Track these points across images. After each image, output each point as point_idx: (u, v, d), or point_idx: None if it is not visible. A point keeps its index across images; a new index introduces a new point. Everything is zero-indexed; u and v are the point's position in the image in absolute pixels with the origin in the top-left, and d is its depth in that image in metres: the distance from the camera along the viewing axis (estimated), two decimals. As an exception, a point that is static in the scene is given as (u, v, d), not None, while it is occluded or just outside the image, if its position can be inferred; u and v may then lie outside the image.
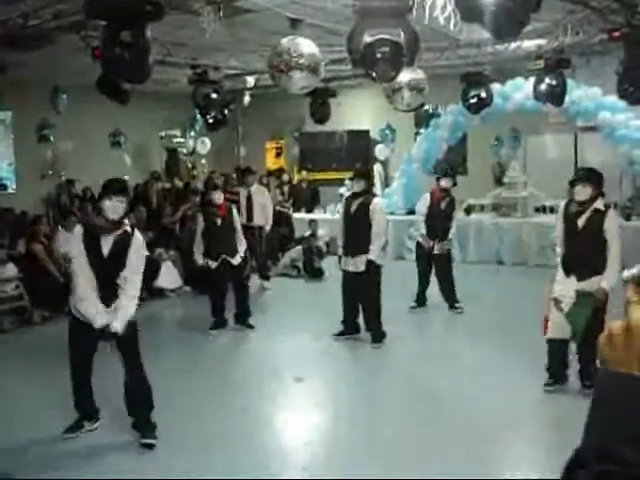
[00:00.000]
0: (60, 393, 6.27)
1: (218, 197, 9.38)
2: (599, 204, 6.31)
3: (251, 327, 9.48)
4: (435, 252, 10.02)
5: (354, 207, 8.45)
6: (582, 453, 1.13)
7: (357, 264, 8.35)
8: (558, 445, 5.35)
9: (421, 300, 10.28)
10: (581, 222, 6.33)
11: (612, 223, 6.31)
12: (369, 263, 8.27)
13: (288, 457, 5.51)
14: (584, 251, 6.30)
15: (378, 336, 8.45)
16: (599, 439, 1.11)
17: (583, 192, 6.30)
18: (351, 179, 9.00)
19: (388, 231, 15.09)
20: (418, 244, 10.38)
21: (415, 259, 10.52)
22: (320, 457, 5.39)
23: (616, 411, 1.11)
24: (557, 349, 6.44)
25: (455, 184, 10.40)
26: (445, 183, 10.14)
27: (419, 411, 6.21)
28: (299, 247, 13.73)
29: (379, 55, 6.95)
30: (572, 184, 6.40)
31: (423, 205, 10.25)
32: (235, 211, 9.65)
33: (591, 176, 6.39)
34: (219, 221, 9.27)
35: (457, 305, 10.03)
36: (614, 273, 6.20)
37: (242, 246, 9.49)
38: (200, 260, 9.38)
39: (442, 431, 5.69)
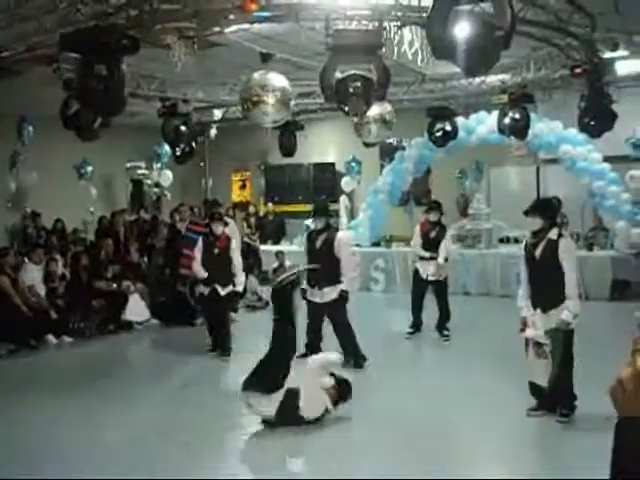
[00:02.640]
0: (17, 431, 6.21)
1: (219, 228, 9.73)
2: (553, 234, 6.33)
3: (228, 354, 9.57)
4: (430, 279, 10.31)
5: (319, 243, 8.71)
6: None
7: (324, 295, 8.57)
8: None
9: (416, 326, 10.49)
10: (538, 252, 6.37)
11: (565, 250, 6.26)
12: (342, 292, 8.46)
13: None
14: (543, 281, 6.35)
15: (359, 360, 8.55)
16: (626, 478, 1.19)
17: (533, 223, 6.39)
18: (312, 216, 9.33)
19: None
20: (415, 272, 10.62)
21: (412, 286, 10.76)
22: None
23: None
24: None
25: (442, 214, 10.71)
26: (433, 217, 10.48)
27: (397, 432, 6.23)
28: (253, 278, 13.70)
29: (351, 90, 7.11)
30: (525, 215, 6.51)
31: (417, 236, 10.64)
32: (234, 244, 9.96)
33: (540, 207, 6.50)
34: (216, 251, 9.65)
35: (445, 333, 10.21)
36: (573, 302, 6.26)
37: (239, 278, 9.80)
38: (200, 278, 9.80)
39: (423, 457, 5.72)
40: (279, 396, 6.29)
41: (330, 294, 8.53)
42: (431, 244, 10.37)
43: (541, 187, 16.16)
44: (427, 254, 10.34)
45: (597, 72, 9.60)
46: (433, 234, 10.40)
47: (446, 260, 10.40)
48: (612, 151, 13.46)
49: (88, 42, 6.43)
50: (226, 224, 10.25)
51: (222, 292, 9.58)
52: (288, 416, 6.30)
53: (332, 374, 6.76)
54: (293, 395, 6.33)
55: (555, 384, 6.31)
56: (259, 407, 6.38)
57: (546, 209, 6.49)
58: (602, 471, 1.41)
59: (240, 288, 10.10)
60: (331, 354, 7.21)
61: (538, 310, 6.40)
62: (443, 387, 7.85)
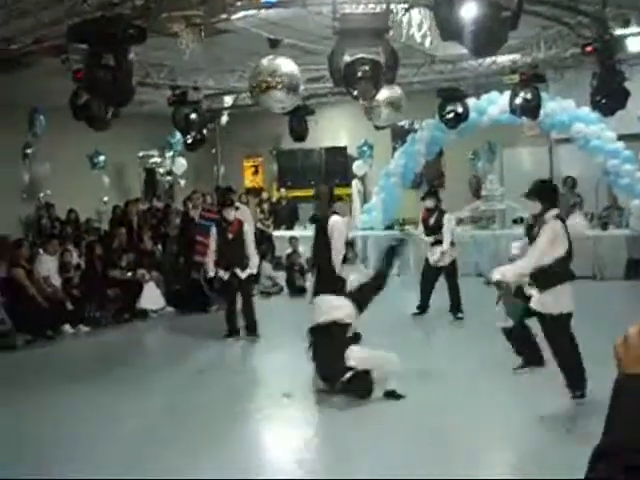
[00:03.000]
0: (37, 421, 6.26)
1: (231, 214, 9.94)
2: (549, 216, 6.22)
3: (257, 335, 9.86)
4: (439, 265, 10.46)
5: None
6: (606, 446, 1.20)
7: None
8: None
9: (422, 308, 10.65)
10: (535, 233, 6.34)
11: (545, 231, 6.14)
12: None
13: (278, 474, 5.52)
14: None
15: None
16: (622, 436, 1.19)
17: (533, 206, 6.38)
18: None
19: (366, 246, 15.36)
20: (426, 258, 10.76)
21: (422, 271, 10.91)
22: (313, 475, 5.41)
23: (637, 410, 1.20)
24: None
25: (439, 201, 10.74)
26: (429, 203, 10.63)
27: (412, 424, 6.24)
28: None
29: (359, 74, 7.09)
30: (526, 197, 6.49)
31: (419, 223, 11.01)
32: (247, 227, 10.17)
33: (537, 190, 6.41)
34: (230, 236, 9.85)
35: (459, 315, 10.33)
36: (519, 267, 6.22)
37: (254, 262, 10.05)
38: (212, 271, 9.99)
39: (438, 446, 5.73)
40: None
41: None
42: (431, 230, 10.54)
43: (554, 167, 16.05)
44: (430, 239, 10.48)
45: (608, 50, 9.50)
46: (432, 220, 10.54)
47: (453, 244, 10.42)
48: (625, 129, 13.35)
49: (95, 33, 6.45)
50: (237, 209, 10.36)
51: (242, 275, 9.83)
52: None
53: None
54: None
55: (561, 368, 6.29)
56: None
57: (544, 192, 6.42)
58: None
59: (255, 270, 10.28)
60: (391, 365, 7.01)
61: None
62: (451, 369, 7.84)
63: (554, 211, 6.27)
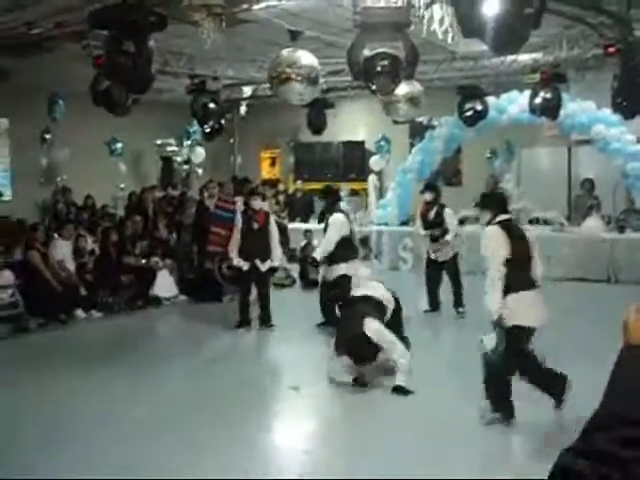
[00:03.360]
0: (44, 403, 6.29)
1: (257, 203, 9.92)
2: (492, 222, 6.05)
3: (272, 326, 9.93)
4: (440, 260, 10.50)
5: (325, 222, 9.67)
6: (603, 417, 1.17)
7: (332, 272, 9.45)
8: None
9: (434, 304, 10.67)
10: None
11: (482, 239, 5.97)
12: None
13: (286, 465, 5.54)
14: None
15: None
16: (621, 406, 1.17)
17: (482, 216, 6.26)
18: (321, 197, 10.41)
19: (380, 241, 15.33)
20: (427, 254, 10.78)
21: (425, 268, 10.88)
22: (319, 465, 5.42)
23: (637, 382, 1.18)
24: None
25: (439, 195, 10.78)
26: (427, 197, 10.67)
27: (417, 417, 6.24)
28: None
29: (379, 68, 7.05)
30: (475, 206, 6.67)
31: (417, 218, 11.04)
32: (273, 220, 10.26)
33: (483, 201, 6.36)
34: (256, 226, 9.85)
35: (460, 310, 10.30)
36: (493, 296, 5.80)
37: (277, 254, 10.06)
38: (235, 260, 9.92)
39: (441, 440, 5.72)
40: None
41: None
42: (430, 225, 10.53)
43: (572, 168, 15.98)
44: (427, 232, 10.51)
45: (631, 51, 9.40)
46: (432, 214, 10.52)
47: (456, 235, 10.56)
48: (646, 132, 13.25)
49: (116, 19, 6.46)
50: (264, 199, 10.40)
51: (262, 268, 9.85)
52: None
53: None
54: None
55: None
56: None
57: (489, 201, 6.35)
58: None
59: (277, 263, 10.28)
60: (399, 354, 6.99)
61: None
62: (456, 364, 7.82)
63: (499, 217, 6.01)
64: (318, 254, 9.51)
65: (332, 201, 9.94)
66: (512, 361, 5.82)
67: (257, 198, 9.97)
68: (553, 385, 6.01)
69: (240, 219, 9.95)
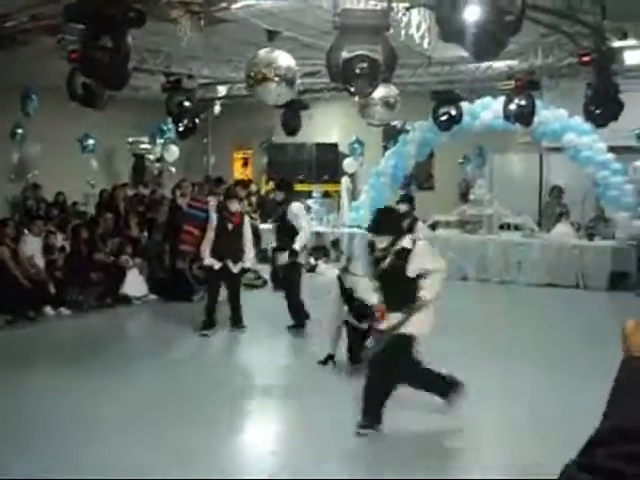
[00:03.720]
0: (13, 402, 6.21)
1: (234, 206, 9.86)
2: (405, 242, 5.90)
3: (243, 327, 9.90)
4: None
5: (279, 213, 9.98)
6: (605, 431, 1.15)
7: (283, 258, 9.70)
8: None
9: None
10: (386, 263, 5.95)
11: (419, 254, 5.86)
12: (291, 254, 9.51)
13: (252, 464, 5.53)
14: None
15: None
16: (623, 420, 1.14)
17: (379, 241, 5.94)
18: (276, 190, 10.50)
19: (352, 244, 15.36)
20: None
21: None
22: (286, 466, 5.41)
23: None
24: None
25: (413, 208, 11.01)
26: (402, 208, 10.54)
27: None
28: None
29: (357, 71, 7.05)
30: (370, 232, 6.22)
31: None
32: (247, 222, 10.24)
33: (380, 227, 6.04)
34: (230, 226, 9.79)
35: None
36: None
37: (249, 255, 10.03)
38: (207, 259, 9.81)
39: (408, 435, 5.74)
40: None
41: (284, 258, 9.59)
42: None
43: (544, 175, 16.15)
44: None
45: (605, 60, 9.53)
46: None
47: None
48: (616, 141, 13.41)
49: (93, 13, 6.37)
50: (241, 201, 10.37)
51: (234, 269, 9.80)
52: None
53: None
54: None
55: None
56: None
57: (390, 224, 6.06)
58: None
59: (249, 265, 10.30)
60: None
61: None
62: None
63: (409, 237, 6.02)
64: (299, 245, 9.51)
65: (290, 193, 10.11)
66: (401, 369, 5.89)
67: (234, 201, 9.93)
68: (438, 385, 6.15)
69: (215, 219, 9.89)
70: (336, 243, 15.44)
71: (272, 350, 8.94)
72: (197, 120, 12.09)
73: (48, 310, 10.57)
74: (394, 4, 7.62)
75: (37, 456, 5.36)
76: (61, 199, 14.68)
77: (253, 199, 17.26)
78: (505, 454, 5.67)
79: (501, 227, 14.58)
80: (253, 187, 17.88)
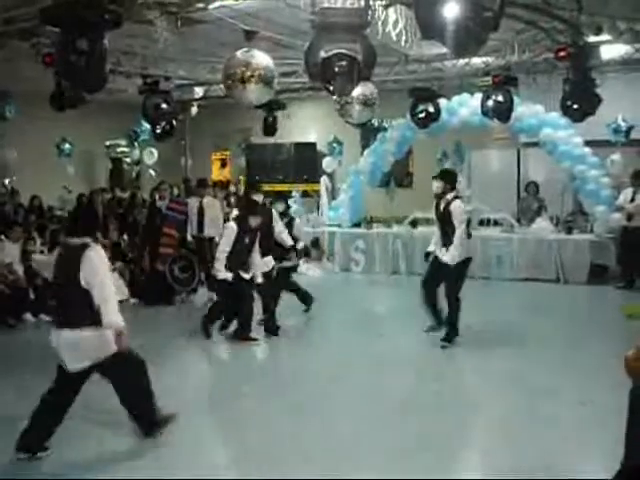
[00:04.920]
0: None
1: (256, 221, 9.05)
2: (450, 196, 8.46)
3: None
4: None
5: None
6: (627, 471, 1.14)
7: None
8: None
9: None
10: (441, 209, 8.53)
11: (455, 209, 8.31)
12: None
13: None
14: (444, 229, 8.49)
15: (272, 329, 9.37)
16: None
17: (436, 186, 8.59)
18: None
19: (333, 243, 15.36)
20: None
21: None
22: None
23: None
24: None
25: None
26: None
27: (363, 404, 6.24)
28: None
29: (336, 69, 7.04)
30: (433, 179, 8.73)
31: None
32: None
33: (443, 175, 8.81)
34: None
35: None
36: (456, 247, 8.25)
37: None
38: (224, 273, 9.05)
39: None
40: None
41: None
42: None
43: (522, 170, 16.23)
44: None
45: (582, 55, 9.59)
46: None
47: None
48: (593, 136, 13.48)
49: (69, 16, 6.30)
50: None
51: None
52: None
53: None
54: None
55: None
56: None
57: (447, 176, 8.69)
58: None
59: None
60: None
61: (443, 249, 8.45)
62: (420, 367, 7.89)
63: (453, 193, 8.54)
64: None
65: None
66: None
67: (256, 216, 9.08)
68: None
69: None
70: (316, 243, 15.41)
71: (254, 350, 8.88)
72: (175, 122, 12.02)
73: (28, 317, 10.46)
74: (372, 2, 7.60)
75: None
76: (37, 203, 14.53)
77: (232, 200, 17.19)
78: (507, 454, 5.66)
79: (480, 223, 14.62)
80: (232, 188, 17.80)
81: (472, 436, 6.06)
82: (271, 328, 9.31)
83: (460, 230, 8.22)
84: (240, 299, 8.99)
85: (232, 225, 9.00)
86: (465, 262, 8.44)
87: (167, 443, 5.65)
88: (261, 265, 9.30)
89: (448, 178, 8.58)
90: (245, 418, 6.55)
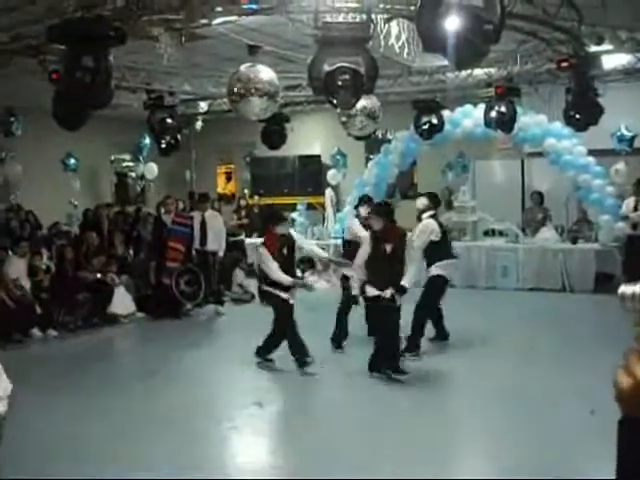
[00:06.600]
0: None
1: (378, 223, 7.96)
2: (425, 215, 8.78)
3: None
4: None
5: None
6: None
7: None
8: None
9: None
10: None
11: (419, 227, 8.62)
12: None
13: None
14: None
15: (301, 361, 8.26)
16: None
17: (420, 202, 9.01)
18: None
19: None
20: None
21: None
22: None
23: None
24: None
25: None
26: (362, 211, 9.44)
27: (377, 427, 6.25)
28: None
29: (340, 83, 7.11)
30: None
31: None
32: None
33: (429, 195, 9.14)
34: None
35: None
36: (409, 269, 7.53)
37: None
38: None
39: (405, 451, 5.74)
40: None
41: None
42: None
43: (525, 180, 16.25)
44: None
45: (584, 65, 9.65)
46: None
47: None
48: (596, 145, 13.52)
49: (75, 33, 6.38)
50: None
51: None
52: None
53: None
54: None
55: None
56: None
57: (432, 197, 9.10)
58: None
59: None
60: None
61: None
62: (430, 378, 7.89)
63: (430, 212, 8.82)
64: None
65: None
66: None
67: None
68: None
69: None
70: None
71: (257, 366, 8.84)
72: (179, 136, 12.09)
73: (35, 332, 10.49)
74: (374, 15, 7.67)
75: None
76: (31, 219, 14.51)
77: (243, 213, 17.23)
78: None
79: (485, 233, 14.65)
80: (242, 202, 17.76)
81: (478, 445, 6.07)
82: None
83: (415, 251, 7.80)
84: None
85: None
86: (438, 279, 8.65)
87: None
88: None
89: (433, 199, 8.94)
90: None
